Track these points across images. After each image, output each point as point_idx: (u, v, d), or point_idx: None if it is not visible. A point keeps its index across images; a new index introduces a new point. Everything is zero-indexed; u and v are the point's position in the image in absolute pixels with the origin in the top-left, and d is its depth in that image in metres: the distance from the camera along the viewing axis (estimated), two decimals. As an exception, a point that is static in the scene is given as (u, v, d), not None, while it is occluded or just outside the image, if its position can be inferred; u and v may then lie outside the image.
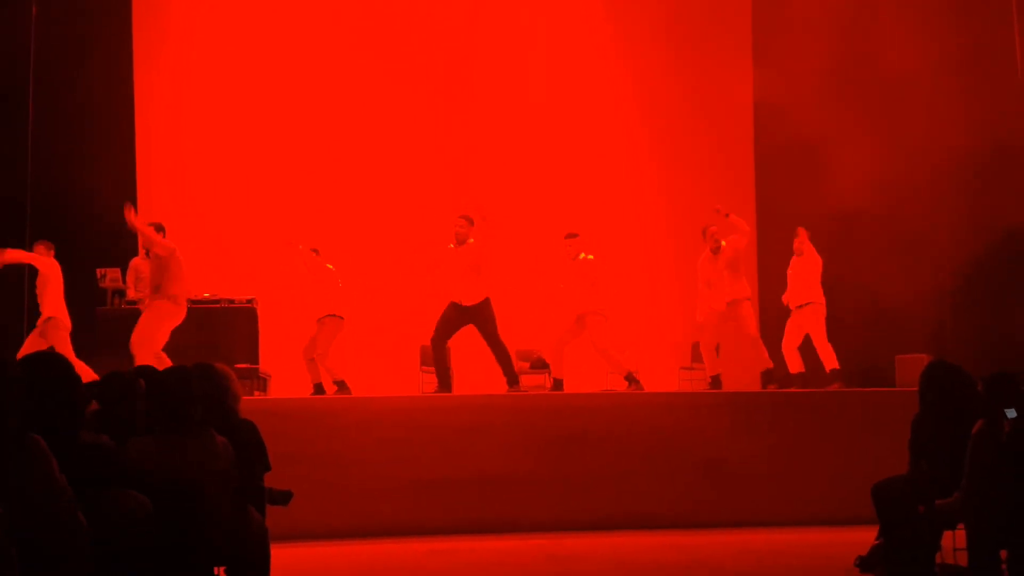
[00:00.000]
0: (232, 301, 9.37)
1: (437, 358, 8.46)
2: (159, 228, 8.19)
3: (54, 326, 8.24)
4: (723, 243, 8.98)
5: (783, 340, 9.06)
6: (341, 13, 11.29)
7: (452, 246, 8.53)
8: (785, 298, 9.16)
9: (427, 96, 11.30)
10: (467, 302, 8.34)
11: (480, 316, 8.35)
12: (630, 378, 8.53)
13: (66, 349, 8.06)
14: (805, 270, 8.97)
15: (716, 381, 9.03)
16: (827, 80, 10.07)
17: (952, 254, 9.72)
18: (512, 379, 8.41)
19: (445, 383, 8.51)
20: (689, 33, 11.44)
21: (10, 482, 2.31)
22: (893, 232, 9.95)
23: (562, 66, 11.45)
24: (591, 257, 8.85)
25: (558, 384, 8.75)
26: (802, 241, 8.98)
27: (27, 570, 2.27)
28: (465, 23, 11.43)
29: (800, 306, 8.97)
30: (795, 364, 9.00)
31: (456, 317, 8.40)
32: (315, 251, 8.95)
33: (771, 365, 9.00)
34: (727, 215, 8.91)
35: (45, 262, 8.30)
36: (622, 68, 11.48)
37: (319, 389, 8.62)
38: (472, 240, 8.43)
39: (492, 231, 8.45)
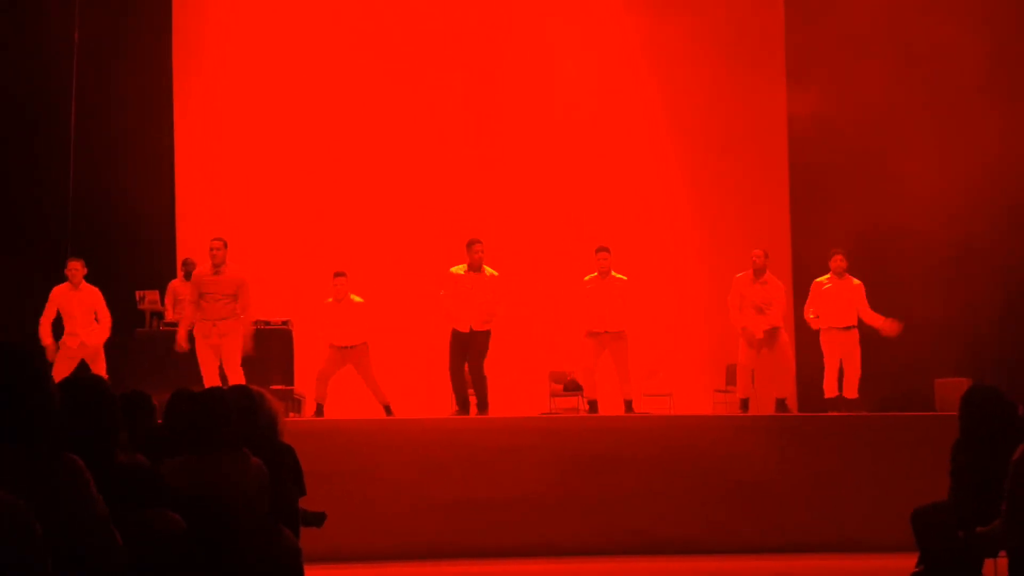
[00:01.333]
0: (268, 323, 9.45)
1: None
2: (224, 244, 8.37)
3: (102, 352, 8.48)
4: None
5: (829, 362, 8.84)
6: (382, 33, 11.38)
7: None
8: (822, 321, 8.96)
9: (457, 115, 11.36)
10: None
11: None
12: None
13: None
14: (849, 292, 8.85)
15: (746, 404, 8.94)
16: (862, 95, 9.99)
17: (991, 274, 9.56)
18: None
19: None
20: (721, 49, 11.37)
21: (48, 501, 2.34)
22: (930, 251, 9.81)
23: (592, 83, 11.44)
24: (624, 277, 8.85)
25: (593, 406, 8.72)
26: (842, 263, 8.86)
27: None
28: (498, 41, 11.48)
29: (847, 327, 8.82)
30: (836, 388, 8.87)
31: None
32: (343, 274, 9.02)
33: (792, 394, 8.98)
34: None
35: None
36: (652, 84, 11.45)
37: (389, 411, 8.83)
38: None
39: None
